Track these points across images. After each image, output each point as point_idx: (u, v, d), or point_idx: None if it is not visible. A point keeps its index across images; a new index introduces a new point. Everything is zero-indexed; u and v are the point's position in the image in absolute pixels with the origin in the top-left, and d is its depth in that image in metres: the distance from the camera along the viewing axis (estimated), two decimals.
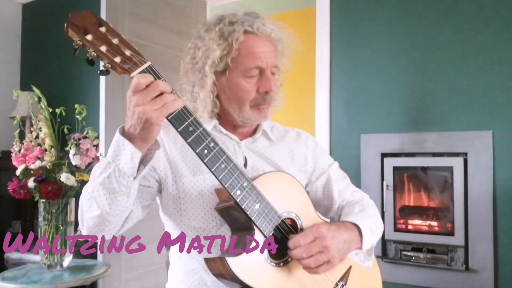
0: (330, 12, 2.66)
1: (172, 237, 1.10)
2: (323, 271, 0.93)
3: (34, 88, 1.99)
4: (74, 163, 1.87)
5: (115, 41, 0.81)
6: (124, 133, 0.83)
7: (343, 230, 0.99)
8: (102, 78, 2.36)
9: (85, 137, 1.93)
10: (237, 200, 0.88)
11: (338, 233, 0.96)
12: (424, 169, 2.42)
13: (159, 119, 0.79)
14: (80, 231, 2.93)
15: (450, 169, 2.31)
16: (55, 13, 3.59)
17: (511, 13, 2.22)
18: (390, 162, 2.45)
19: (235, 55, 1.03)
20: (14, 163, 1.89)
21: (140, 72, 0.80)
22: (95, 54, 0.79)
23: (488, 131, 2.23)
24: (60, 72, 3.53)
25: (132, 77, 0.80)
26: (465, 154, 2.27)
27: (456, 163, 2.29)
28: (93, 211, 0.88)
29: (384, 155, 2.47)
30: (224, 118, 1.11)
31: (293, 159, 1.17)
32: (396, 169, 2.44)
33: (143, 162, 0.88)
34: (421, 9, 2.43)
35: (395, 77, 2.48)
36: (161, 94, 0.79)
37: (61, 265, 1.91)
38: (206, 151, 0.85)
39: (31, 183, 1.84)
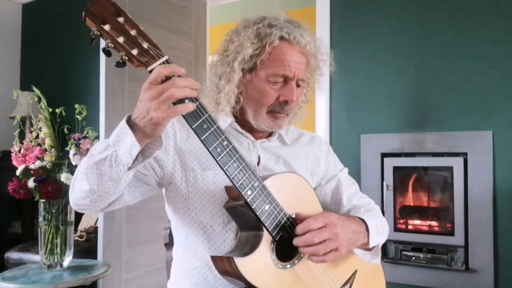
0: (330, 12, 2.66)
1: (177, 232, 1.10)
2: (330, 259, 0.92)
3: (34, 88, 1.99)
4: (74, 163, 1.86)
5: (133, 32, 0.79)
6: (129, 121, 0.82)
7: (352, 222, 0.99)
8: (102, 78, 2.36)
9: (85, 137, 1.93)
10: (248, 200, 0.88)
11: (347, 223, 0.97)
12: (424, 169, 2.42)
13: (165, 120, 0.78)
14: (80, 231, 2.90)
15: (450, 169, 2.31)
16: (55, 13, 3.59)
17: (511, 13, 2.22)
18: (390, 162, 2.45)
19: (266, 58, 1.02)
20: (14, 163, 1.89)
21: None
22: (112, 45, 0.78)
23: (488, 131, 2.23)
24: (60, 72, 3.53)
25: (149, 71, 0.79)
26: (465, 154, 2.27)
27: (456, 163, 2.29)
28: (83, 185, 0.88)
29: (384, 155, 2.47)
30: (241, 118, 1.11)
31: (306, 161, 1.17)
32: (396, 169, 2.44)
33: (142, 154, 0.87)
34: (421, 9, 2.43)
35: (395, 77, 2.48)
36: None
37: (61, 265, 1.91)
38: (219, 149, 0.85)
39: (31, 183, 1.84)
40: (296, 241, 0.91)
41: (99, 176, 0.85)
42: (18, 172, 1.87)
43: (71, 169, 1.89)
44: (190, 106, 0.78)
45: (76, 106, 1.92)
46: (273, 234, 0.91)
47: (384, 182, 2.44)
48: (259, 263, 0.89)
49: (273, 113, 1.06)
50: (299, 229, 0.91)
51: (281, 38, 1.02)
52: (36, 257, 2.37)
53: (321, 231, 0.91)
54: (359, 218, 1.03)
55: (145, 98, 0.77)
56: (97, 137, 2.00)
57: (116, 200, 0.96)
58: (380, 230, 1.07)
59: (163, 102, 0.76)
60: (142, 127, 0.80)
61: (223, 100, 1.05)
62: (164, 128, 0.81)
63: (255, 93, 1.05)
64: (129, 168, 0.86)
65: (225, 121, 1.09)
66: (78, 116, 1.92)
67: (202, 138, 0.83)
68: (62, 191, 1.87)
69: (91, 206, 0.93)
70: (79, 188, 0.90)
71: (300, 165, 1.15)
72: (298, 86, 1.06)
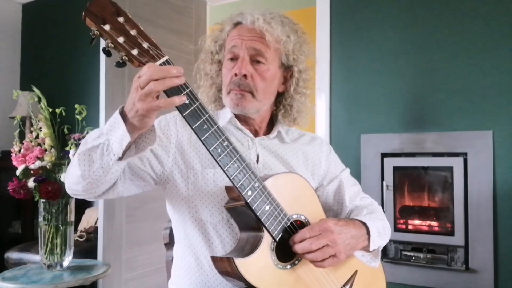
0: (330, 12, 2.66)
1: (177, 231, 1.10)
2: (328, 265, 0.93)
3: (34, 88, 1.98)
4: None
5: (133, 32, 0.79)
6: (123, 112, 0.83)
7: (351, 227, 0.99)
8: (102, 78, 2.36)
9: (85, 137, 1.92)
10: (248, 201, 0.88)
11: (345, 229, 0.96)
12: (424, 169, 2.42)
13: (150, 112, 0.78)
14: (80, 231, 2.89)
15: (450, 169, 2.31)
16: (55, 13, 3.59)
17: (511, 13, 2.22)
18: (390, 162, 2.45)
19: (225, 43, 1.10)
20: (14, 163, 1.89)
21: None
22: (112, 45, 0.78)
23: (488, 131, 2.23)
24: (60, 72, 3.53)
25: None
26: (465, 154, 2.27)
27: (456, 163, 2.29)
28: (76, 170, 0.90)
29: (384, 155, 2.47)
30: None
31: (306, 161, 1.17)
32: (396, 169, 2.44)
33: (136, 146, 0.88)
34: (421, 9, 2.43)
35: (395, 77, 2.48)
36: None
37: (61, 265, 1.91)
38: (219, 149, 0.85)
39: (31, 183, 1.84)
40: (294, 248, 0.92)
41: (90, 163, 0.87)
42: (18, 172, 1.87)
43: None
44: (177, 100, 0.78)
45: (76, 106, 1.92)
46: (274, 235, 0.91)
47: (384, 182, 2.44)
48: (259, 263, 0.89)
49: (231, 91, 1.06)
50: (295, 238, 0.92)
51: (236, 24, 1.08)
52: (36, 257, 2.37)
53: (318, 238, 0.91)
54: (360, 221, 1.03)
55: (132, 89, 0.79)
56: None
57: (110, 190, 0.96)
58: (382, 233, 1.07)
59: (147, 95, 0.76)
60: (130, 118, 0.81)
61: (205, 96, 1.14)
62: (151, 120, 0.81)
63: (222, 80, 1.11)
64: (121, 159, 0.86)
65: (225, 117, 1.10)
66: (78, 116, 1.92)
67: (202, 139, 0.83)
68: (62, 191, 1.87)
69: (83, 192, 0.94)
70: (73, 173, 0.91)
71: (299, 164, 1.15)
72: (257, 61, 1.05)
